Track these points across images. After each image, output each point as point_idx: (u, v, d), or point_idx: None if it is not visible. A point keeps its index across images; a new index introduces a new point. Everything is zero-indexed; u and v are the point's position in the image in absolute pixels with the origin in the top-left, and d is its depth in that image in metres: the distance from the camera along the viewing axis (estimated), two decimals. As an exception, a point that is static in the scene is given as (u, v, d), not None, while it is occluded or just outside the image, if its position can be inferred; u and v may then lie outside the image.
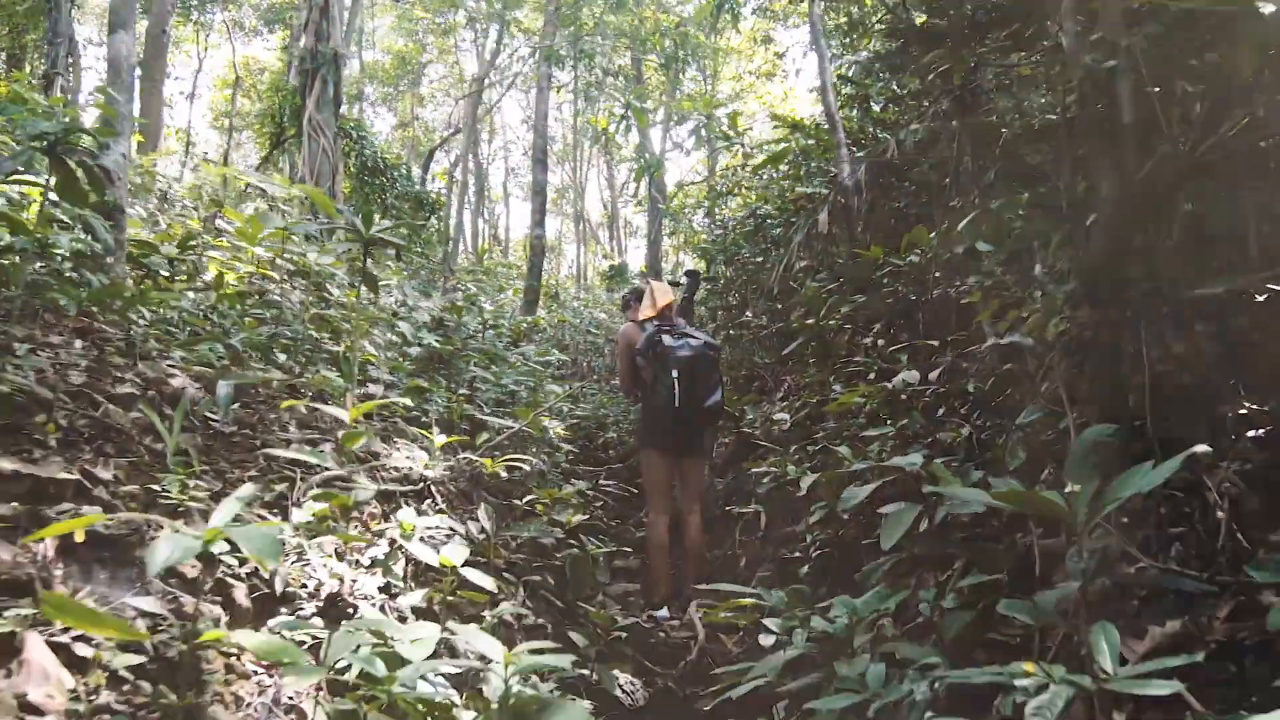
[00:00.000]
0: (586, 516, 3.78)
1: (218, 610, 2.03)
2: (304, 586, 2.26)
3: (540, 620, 3.13)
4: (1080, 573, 1.51)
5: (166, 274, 4.42)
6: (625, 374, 4.93)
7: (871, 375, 4.29)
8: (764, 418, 5.08)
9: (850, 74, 7.58)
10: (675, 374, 4.44)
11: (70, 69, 12.39)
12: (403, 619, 2.51)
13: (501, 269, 20.25)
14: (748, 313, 7.94)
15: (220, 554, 2.12)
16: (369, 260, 3.06)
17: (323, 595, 2.25)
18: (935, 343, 3.56)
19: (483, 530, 3.02)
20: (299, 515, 2.40)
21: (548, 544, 3.54)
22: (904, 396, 3.24)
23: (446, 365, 4.99)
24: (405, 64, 27.87)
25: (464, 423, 4.57)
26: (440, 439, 3.36)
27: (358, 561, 2.44)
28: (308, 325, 4.03)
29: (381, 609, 2.39)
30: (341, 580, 2.34)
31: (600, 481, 5.94)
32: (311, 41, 12.95)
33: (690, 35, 14.85)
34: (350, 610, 2.25)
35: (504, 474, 3.41)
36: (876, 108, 7.39)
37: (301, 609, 2.20)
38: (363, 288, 5.45)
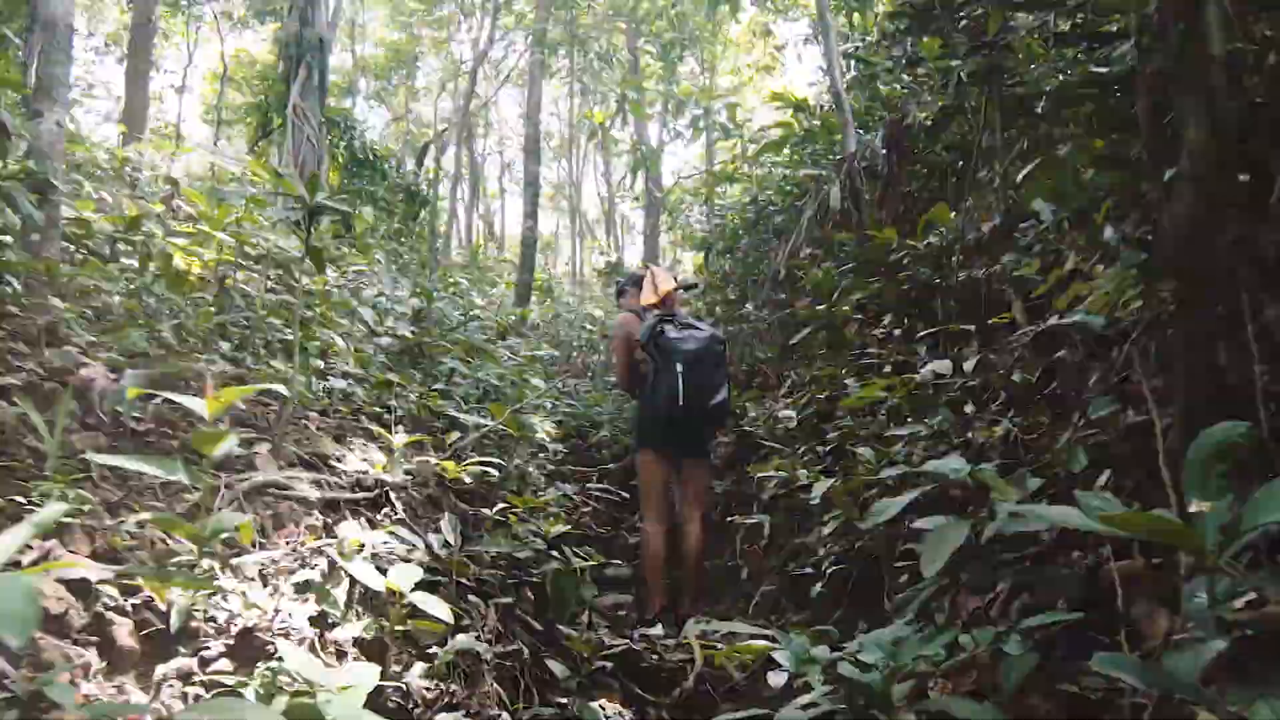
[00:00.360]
0: (569, 526, 3.36)
1: (91, 655, 1.61)
2: (212, 620, 1.85)
3: (514, 648, 2.72)
4: (1216, 622, 1.11)
5: (107, 256, 4.02)
6: (622, 368, 4.50)
7: (887, 368, 3.88)
8: (767, 416, 4.67)
9: (857, 52, 7.18)
10: (680, 368, 4.02)
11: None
12: (342, 654, 2.10)
13: (497, 264, 19.80)
14: (748, 305, 7.53)
15: (99, 581, 1.72)
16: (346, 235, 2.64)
17: (235, 630, 1.84)
18: (971, 327, 3.15)
19: (446, 544, 2.61)
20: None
21: (525, 558, 3.12)
22: (931, 390, 2.83)
23: (425, 358, 4.58)
24: (399, 56, 27.42)
25: (439, 421, 4.16)
26: (401, 438, 2.94)
27: (277, 589, 2.02)
28: (261, 312, 3.61)
29: (312, 645, 1.97)
30: (263, 611, 1.92)
31: (589, 485, 5.52)
32: (296, 26, 12.49)
33: (688, 15, 14.41)
34: (270, 648, 1.84)
35: (473, 479, 3.00)
36: (884, 88, 7.00)
37: (206, 648, 1.78)
38: (331, 275, 5.03)
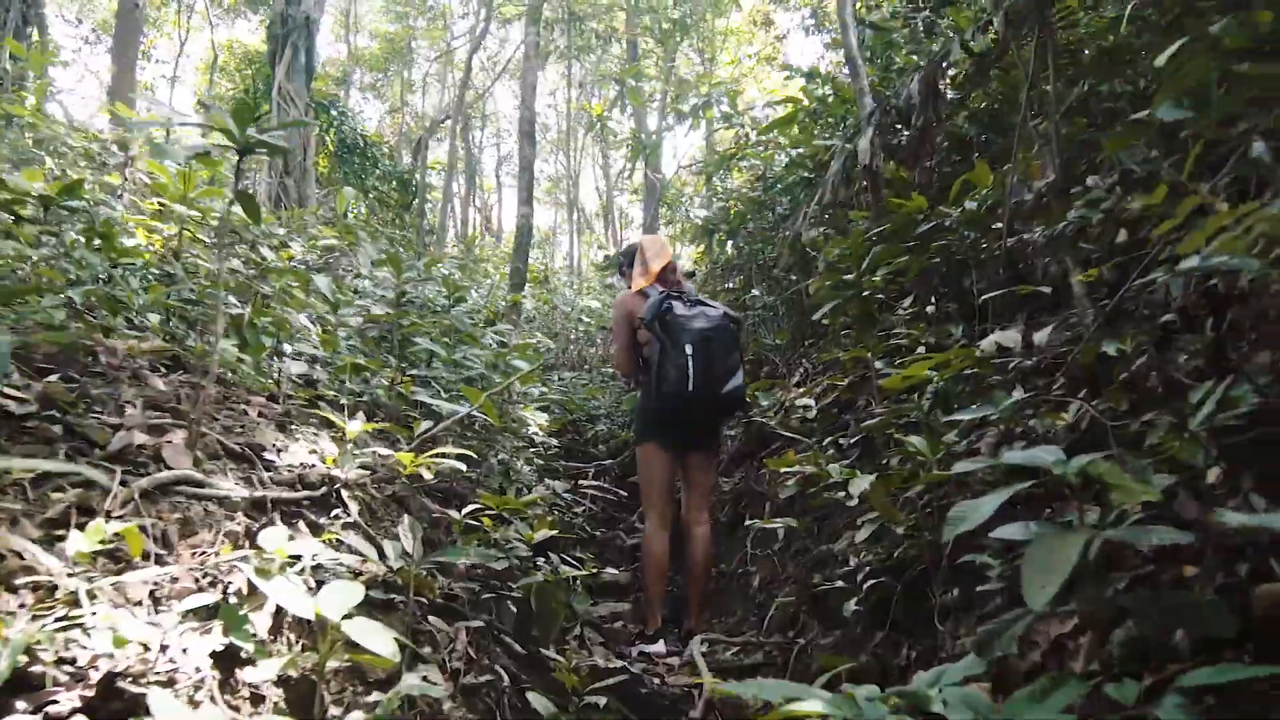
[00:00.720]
0: (555, 530, 2.89)
1: None
2: (69, 662, 1.38)
3: (488, 678, 2.25)
4: None
5: (42, 222, 3.56)
6: (622, 352, 4.00)
7: (920, 349, 3.43)
8: (781, 405, 4.21)
9: (872, 16, 6.71)
10: (689, 350, 3.54)
11: (30, 42, 11.38)
12: (259, 700, 1.64)
13: (495, 257, 19.31)
14: (754, 290, 7.08)
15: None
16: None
17: (97, 675, 1.37)
18: (1047, 289, 2.69)
19: (405, 554, 2.14)
20: (79, 543, 1.52)
21: (507, 567, 2.65)
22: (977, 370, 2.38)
23: (406, 342, 4.11)
24: (393, 46, 26.96)
25: (416, 410, 3.70)
26: (356, 425, 2.48)
27: (169, 616, 1.55)
28: (204, 284, 3.15)
29: (213, 692, 1.51)
30: (144, 647, 1.46)
31: (582, 482, 5.06)
32: (282, 4, 12.03)
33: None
34: (143, 701, 1.37)
35: (448, 474, 2.54)
36: (900, 59, 6.55)
37: (53, 702, 1.32)
38: (298, 250, 4.57)
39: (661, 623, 3.66)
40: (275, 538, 1.79)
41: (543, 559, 3.03)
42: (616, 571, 4.01)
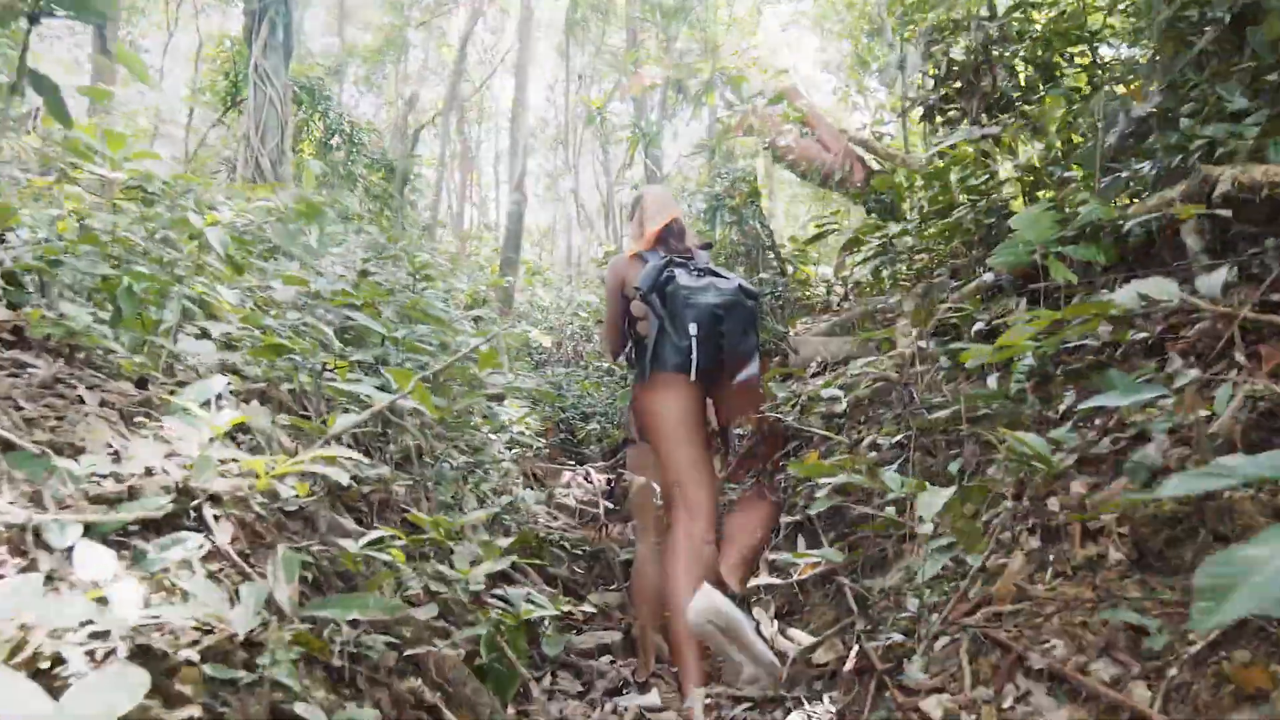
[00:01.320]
0: (514, 557, 2.21)
1: None
2: None
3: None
4: None
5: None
6: (610, 325, 3.30)
7: (978, 325, 2.75)
8: (799, 397, 3.53)
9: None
10: (694, 330, 2.86)
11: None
12: None
13: (493, 254, 18.64)
14: (762, 274, 6.42)
15: None
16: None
17: None
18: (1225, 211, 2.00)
19: (269, 604, 1.46)
20: None
21: (438, 614, 1.97)
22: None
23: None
24: (387, 36, 26.37)
25: (353, 400, 3.03)
26: (227, 418, 1.80)
27: None
28: (83, 247, 2.49)
29: None
30: None
31: (559, 490, 4.38)
32: (258, -24, 11.32)
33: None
34: None
35: (303, 492, 1.86)
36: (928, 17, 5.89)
37: None
38: (235, 218, 4.06)
39: (657, 663, 2.99)
40: (16, 590, 1.11)
41: (507, 586, 2.36)
42: (595, 608, 3.30)
